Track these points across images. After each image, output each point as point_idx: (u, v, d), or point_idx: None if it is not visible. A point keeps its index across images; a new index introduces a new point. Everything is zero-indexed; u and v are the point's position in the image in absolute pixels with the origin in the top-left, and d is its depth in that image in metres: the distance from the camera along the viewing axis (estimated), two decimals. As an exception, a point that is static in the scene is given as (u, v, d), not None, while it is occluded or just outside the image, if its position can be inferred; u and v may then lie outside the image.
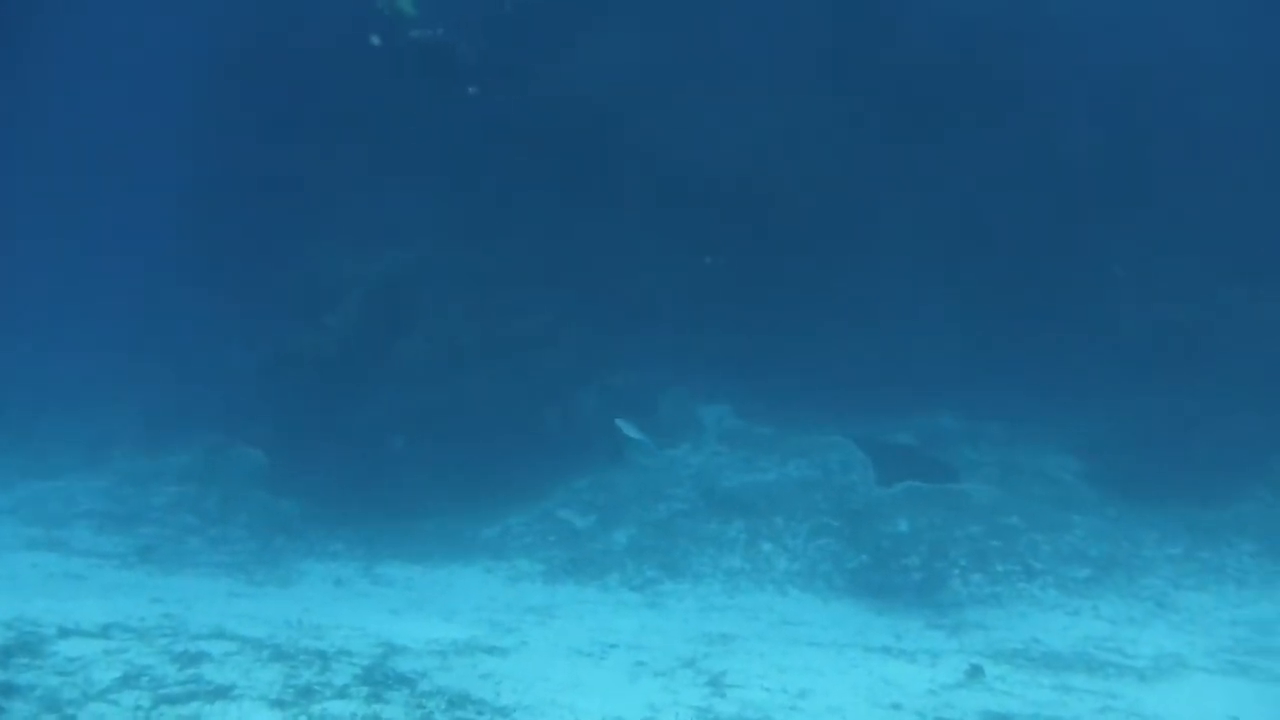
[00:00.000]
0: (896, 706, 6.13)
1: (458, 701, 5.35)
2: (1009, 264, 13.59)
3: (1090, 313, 12.79)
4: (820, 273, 13.88)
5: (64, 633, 6.05)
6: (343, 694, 5.30)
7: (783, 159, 14.06)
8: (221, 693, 5.12)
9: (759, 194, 13.89)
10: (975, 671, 6.84)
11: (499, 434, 11.03)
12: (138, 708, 4.88)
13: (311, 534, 10.20)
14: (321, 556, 9.64)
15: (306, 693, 5.25)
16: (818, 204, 14.10)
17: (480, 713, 5.23)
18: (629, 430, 9.50)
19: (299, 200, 14.35)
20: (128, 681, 5.25)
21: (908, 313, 13.88)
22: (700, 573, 9.16)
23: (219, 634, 6.23)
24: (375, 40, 11.37)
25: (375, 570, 9.23)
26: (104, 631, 6.20)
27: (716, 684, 6.23)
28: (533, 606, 8.14)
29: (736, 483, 11.37)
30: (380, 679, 5.63)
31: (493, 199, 14.55)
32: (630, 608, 8.26)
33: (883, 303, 13.81)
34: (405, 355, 11.35)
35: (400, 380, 11.18)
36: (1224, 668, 7.07)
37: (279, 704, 5.05)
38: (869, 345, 13.58)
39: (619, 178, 14.40)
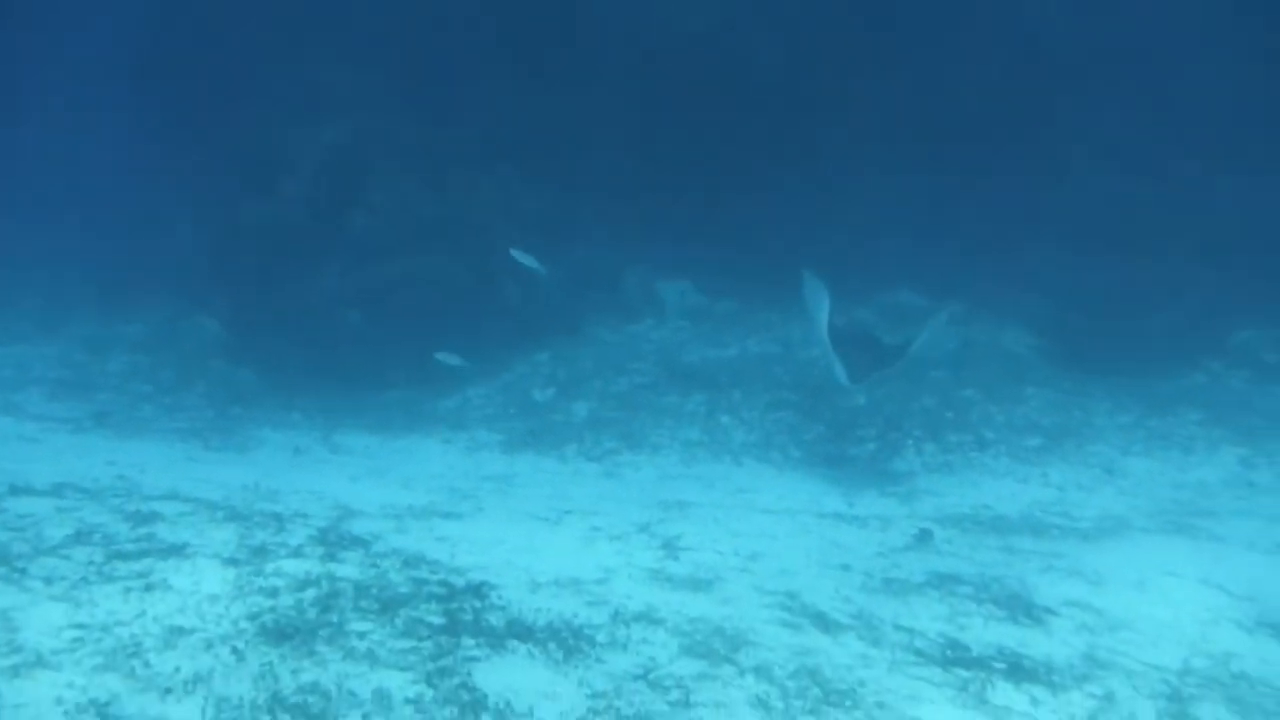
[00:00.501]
0: (845, 568, 6.29)
1: (412, 561, 5.40)
2: (969, 141, 13.46)
3: (1049, 189, 12.76)
4: (783, 151, 13.70)
5: (14, 490, 6.01)
6: (297, 553, 5.33)
7: (748, 34, 13.70)
8: (175, 550, 5.13)
9: (721, 71, 13.58)
10: (924, 535, 7.01)
11: (458, 308, 10.94)
12: (90, 563, 4.88)
13: (269, 403, 10.15)
14: (279, 425, 9.60)
15: (260, 552, 5.28)
16: (783, 81, 13.83)
17: (435, 572, 5.29)
18: (449, 360, 9.04)
19: (244, 68, 13.85)
20: (80, 538, 5.24)
21: (869, 192, 13.79)
22: (658, 444, 9.24)
23: (173, 495, 6.22)
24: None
25: (334, 439, 9.22)
26: (56, 490, 6.17)
27: (670, 547, 6.34)
28: (491, 475, 8.20)
29: (697, 357, 11.42)
30: (335, 540, 5.67)
31: (447, 70, 14.13)
32: (588, 477, 8.35)
33: (844, 182, 13.69)
34: (360, 228, 11.13)
35: (356, 253, 10.99)
36: (1163, 528, 7.29)
37: (233, 562, 5.06)
38: (832, 224, 13.52)
39: (580, 50, 13.99)
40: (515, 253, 9.29)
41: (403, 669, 4.17)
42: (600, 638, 4.82)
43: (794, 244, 13.27)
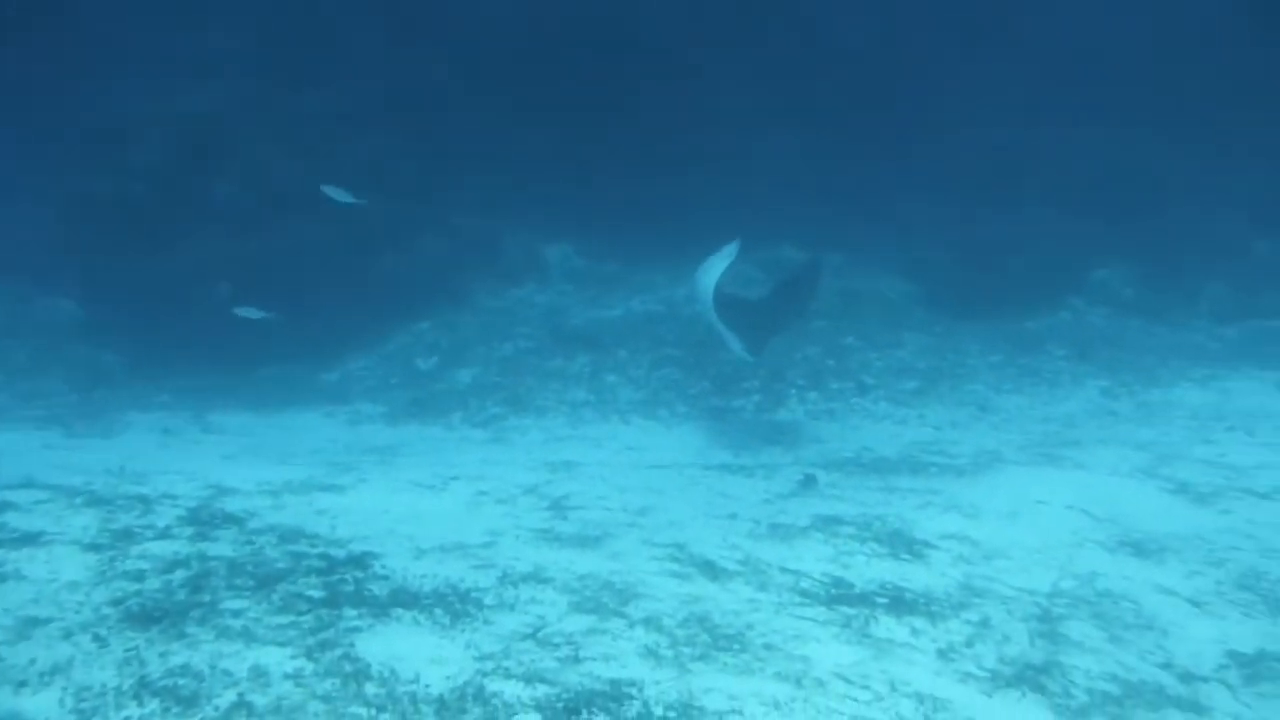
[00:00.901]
0: (733, 516, 6.36)
1: (289, 536, 5.23)
2: (846, 99, 13.69)
3: (921, 142, 13.07)
4: (662, 114, 13.66)
5: None
6: (165, 534, 5.10)
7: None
8: (29, 539, 4.85)
9: (600, 35, 13.44)
10: (809, 480, 7.14)
11: (334, 279, 10.62)
12: (-68, 562, 4.57)
13: (135, 385, 9.72)
14: (148, 407, 9.19)
15: (125, 535, 5.03)
16: (661, 45, 13.77)
17: (314, 545, 5.14)
18: (250, 314, 8.50)
19: (87, 35, 13.09)
20: (-80, 538, 4.91)
21: (750, 151, 13.91)
22: (545, 407, 9.18)
23: (28, 484, 5.86)
24: None
25: (207, 419, 8.87)
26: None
27: (558, 507, 6.31)
28: (374, 447, 8.02)
29: (582, 319, 11.36)
30: (207, 519, 5.44)
31: (313, 34, 13.61)
32: (474, 443, 8.24)
33: (722, 138, 13.77)
34: (223, 198, 10.66)
35: (221, 224, 10.53)
36: (1034, 459, 7.60)
37: (94, 548, 4.81)
38: (712, 183, 13.59)
39: (453, 8, 13.65)
40: (326, 189, 8.73)
41: (281, 644, 4.03)
42: (488, 600, 4.76)
43: (676, 205, 13.32)
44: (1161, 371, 9.80)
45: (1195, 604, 5.22)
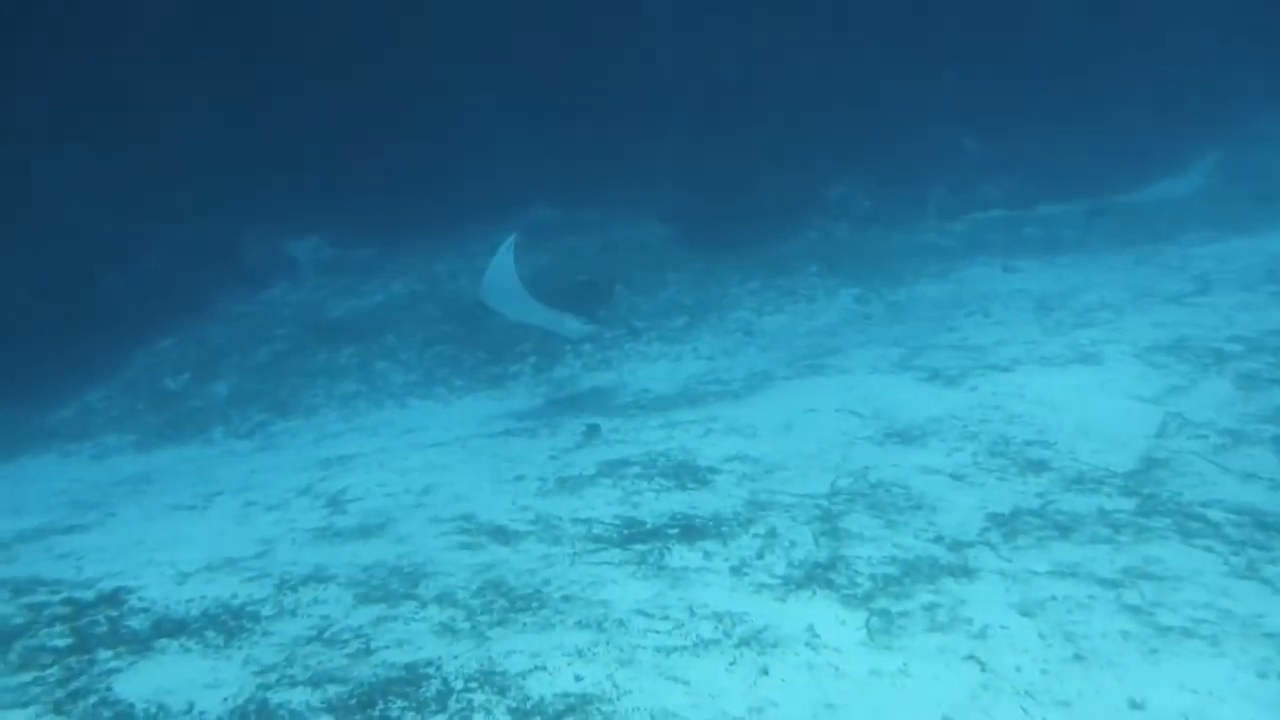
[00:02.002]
0: (520, 478, 6.25)
1: (24, 588, 4.70)
2: (569, 54, 13.62)
3: (649, 85, 13.19)
4: (385, 82, 13.16)
5: None
6: None
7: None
8: None
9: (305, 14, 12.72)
10: (592, 430, 7.12)
11: (50, 310, 9.62)
12: None
13: None
14: None
15: None
16: (374, 17, 13.22)
17: (55, 592, 4.63)
18: None
19: None
20: None
21: (488, 114, 13.64)
22: (314, 405, 8.71)
23: None
24: None
25: (-85, 484, 7.88)
26: None
27: (335, 502, 5.99)
28: (125, 478, 7.34)
29: (342, 310, 10.87)
30: (-81, 594, 4.81)
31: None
32: (238, 455, 7.70)
33: (457, 106, 13.44)
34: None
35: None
36: (801, 372, 7.89)
37: None
38: (452, 150, 13.27)
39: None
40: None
41: (23, 705, 3.60)
42: (266, 611, 4.45)
43: (423, 180, 12.92)
44: (904, 272, 10.41)
45: (956, 478, 5.56)
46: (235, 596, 4.58)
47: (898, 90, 13.17)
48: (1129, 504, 4.98)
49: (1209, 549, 4.44)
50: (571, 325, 8.17)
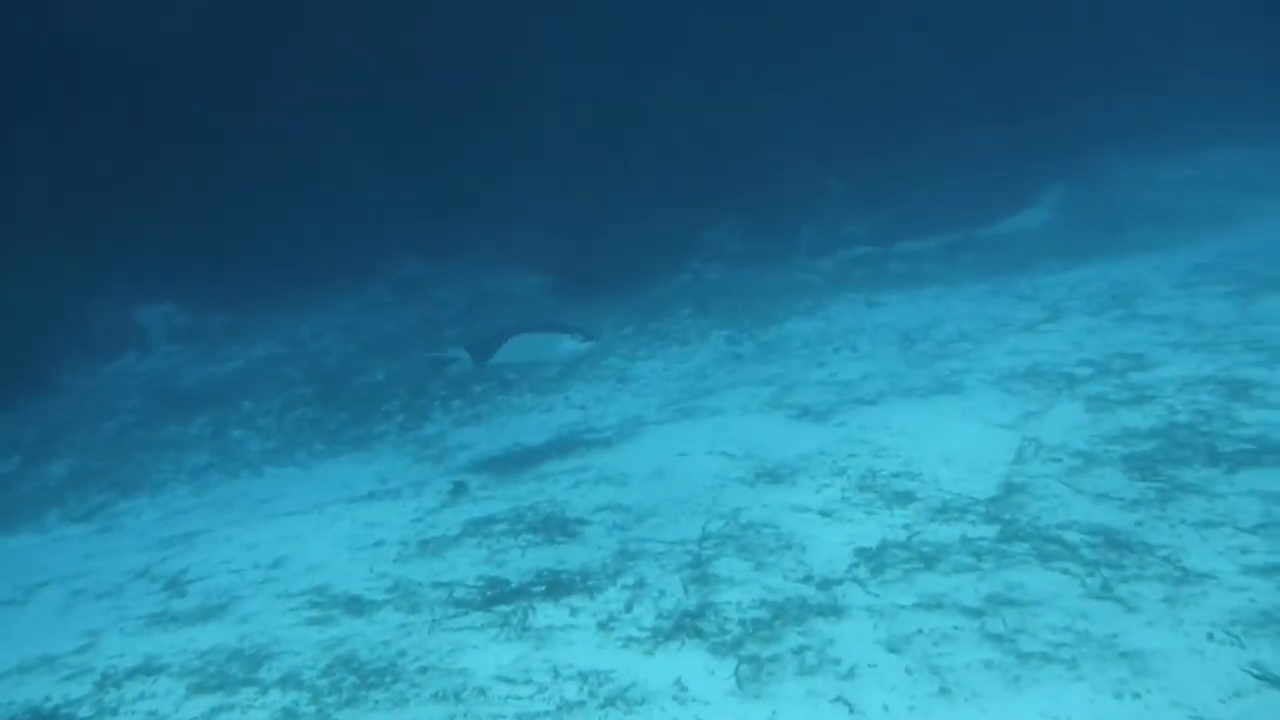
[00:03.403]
0: (380, 544, 5.95)
1: None
2: (426, 97, 13.47)
3: (515, 131, 13.13)
4: (240, 141, 12.76)
5: None
6: None
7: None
8: None
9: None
10: (459, 488, 6.86)
11: None
12: None
13: None
14: None
15: None
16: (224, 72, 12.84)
17: None
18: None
19: None
20: None
21: (353, 168, 13.38)
22: (161, 481, 8.19)
23: None
24: None
25: None
26: None
27: (174, 584, 5.58)
28: (-58, 581, 6.72)
29: (196, 378, 10.35)
30: None
31: None
32: (73, 540, 7.14)
33: (321, 161, 13.13)
34: None
35: None
36: (673, 416, 7.79)
37: None
38: (317, 207, 12.93)
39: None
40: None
41: None
42: (83, 713, 4.05)
43: (278, 239, 12.51)
44: (775, 311, 10.47)
45: (825, 514, 5.50)
46: (48, 699, 4.16)
47: (764, 130, 13.40)
48: (991, 531, 4.98)
49: (1066, 571, 4.45)
50: (567, 346, 7.42)
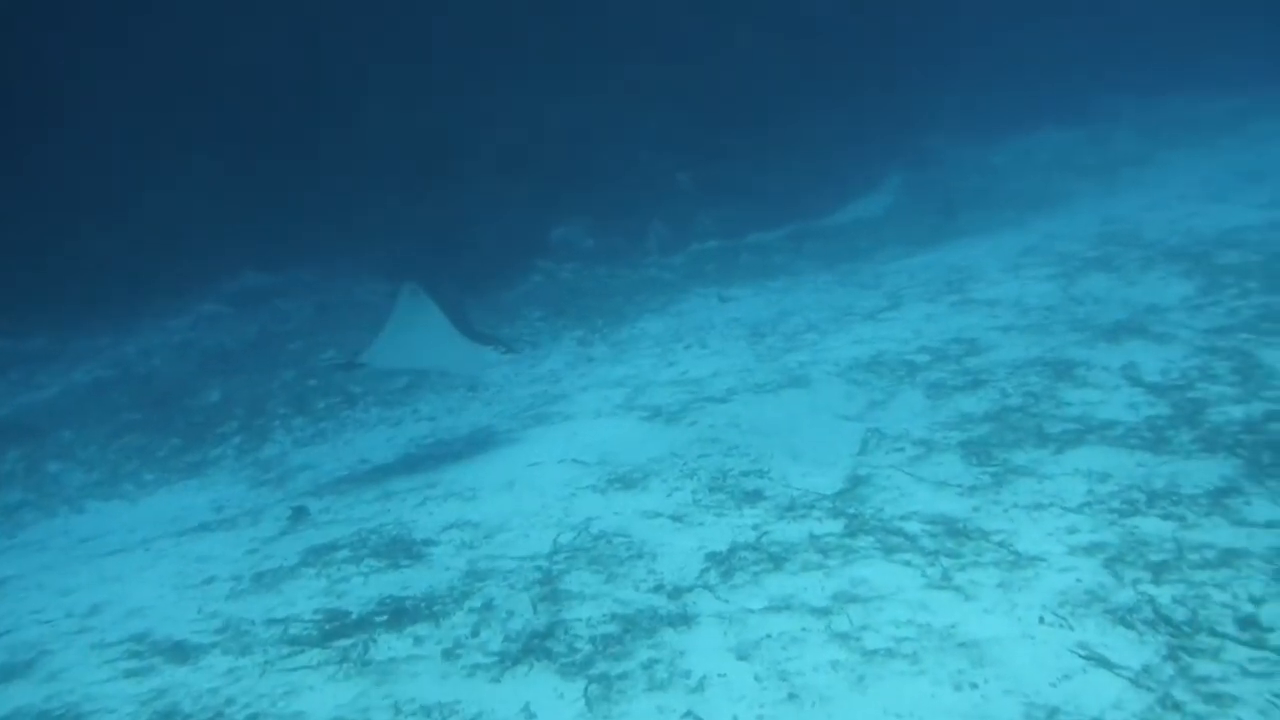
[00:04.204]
0: (210, 580, 5.58)
1: None
2: (266, 103, 12.91)
3: (358, 132, 12.69)
4: (60, 146, 11.96)
5: None
6: None
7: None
8: None
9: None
10: (299, 513, 6.53)
11: None
12: None
13: None
14: None
15: None
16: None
17: None
18: None
19: None
20: None
21: (187, 178, 12.71)
22: (-35, 524, 7.53)
23: None
24: None
25: None
26: None
27: (-27, 642, 5.09)
28: None
29: (10, 408, 9.59)
30: None
31: None
32: None
33: (148, 170, 12.43)
34: None
35: None
36: (526, 424, 7.62)
37: None
38: (133, 219, 12.21)
39: None
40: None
41: None
42: None
43: (102, 254, 11.75)
44: (627, 309, 10.41)
45: (677, 519, 5.45)
46: None
47: (609, 127, 13.32)
48: (837, 526, 5.01)
49: (908, 563, 4.51)
50: (489, 357, 7.16)
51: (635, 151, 13.36)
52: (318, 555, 5.71)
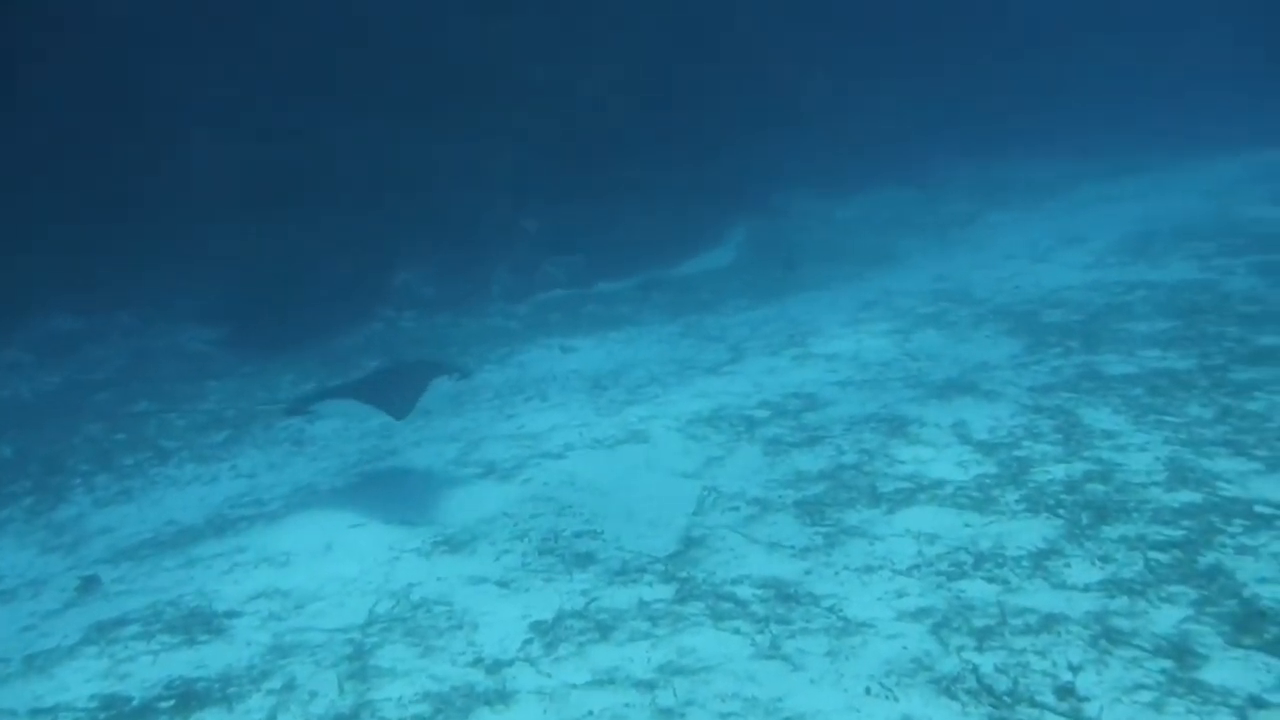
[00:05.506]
0: (-29, 664, 4.94)
1: None
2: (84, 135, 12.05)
3: (184, 169, 11.98)
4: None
5: None
6: None
7: None
8: None
9: None
10: (89, 583, 5.92)
11: None
12: None
13: None
14: None
15: None
16: None
17: None
18: None
19: None
20: None
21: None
22: None
23: None
24: None
25: None
26: None
27: None
28: None
29: None
30: None
31: None
32: None
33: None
34: None
35: None
36: (352, 482, 7.19)
37: None
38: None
39: None
40: None
41: None
42: None
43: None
44: (467, 360, 10.07)
45: (503, 585, 5.16)
46: None
47: (457, 171, 13.01)
48: (668, 591, 4.82)
49: (737, 630, 4.35)
50: (443, 385, 6.70)
51: (483, 196, 13.07)
52: (103, 632, 5.16)
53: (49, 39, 11.66)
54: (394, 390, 6.52)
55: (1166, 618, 4.03)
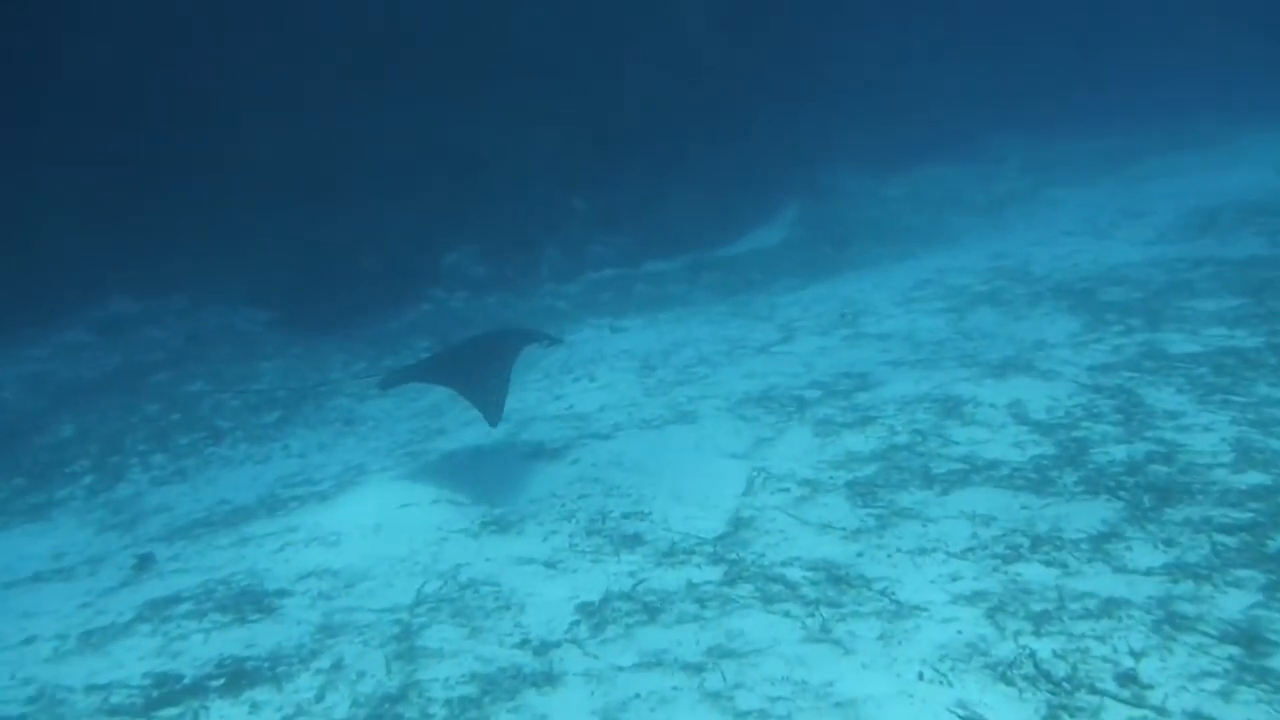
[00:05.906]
0: (30, 640, 5.05)
1: None
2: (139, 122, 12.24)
3: (236, 153, 12.10)
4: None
5: None
6: None
7: None
8: None
9: None
10: (145, 561, 6.00)
11: None
12: None
13: None
14: None
15: None
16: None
17: None
18: None
19: None
20: None
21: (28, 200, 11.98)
22: None
23: None
24: None
25: None
26: None
27: None
28: None
29: None
30: None
31: None
32: None
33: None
34: None
35: None
36: (400, 462, 7.22)
37: None
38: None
39: None
40: None
41: None
42: None
43: None
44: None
45: (550, 566, 5.13)
46: None
47: (500, 152, 12.96)
48: (716, 573, 4.76)
49: (787, 614, 4.27)
50: (535, 351, 6.79)
51: (529, 176, 13.03)
52: (157, 610, 5.22)
53: (108, 24, 11.85)
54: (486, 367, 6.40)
55: (1234, 603, 3.88)
